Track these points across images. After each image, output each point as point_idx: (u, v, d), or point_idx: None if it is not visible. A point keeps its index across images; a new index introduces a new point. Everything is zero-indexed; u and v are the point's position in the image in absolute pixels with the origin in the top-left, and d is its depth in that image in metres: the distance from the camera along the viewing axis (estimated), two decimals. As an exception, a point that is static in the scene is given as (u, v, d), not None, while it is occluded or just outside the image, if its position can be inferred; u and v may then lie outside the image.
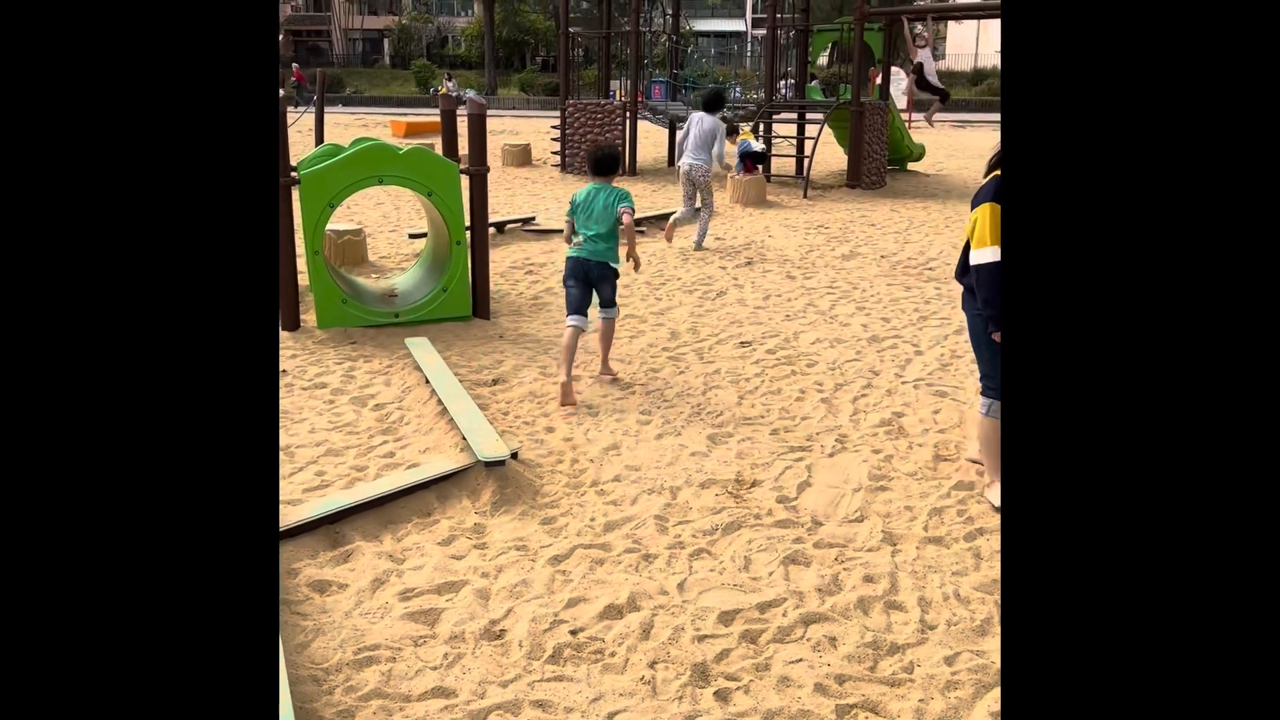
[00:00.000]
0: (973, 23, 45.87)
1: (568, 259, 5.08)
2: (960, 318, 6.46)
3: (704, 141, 8.61)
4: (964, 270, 3.70)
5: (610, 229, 4.97)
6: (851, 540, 3.51)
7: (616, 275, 5.06)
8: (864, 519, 3.68)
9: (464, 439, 4.09)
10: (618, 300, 5.20)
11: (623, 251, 5.05)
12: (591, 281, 5.01)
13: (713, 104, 8.79)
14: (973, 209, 3.56)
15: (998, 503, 3.71)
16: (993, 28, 45.78)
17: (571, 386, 4.79)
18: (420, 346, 5.43)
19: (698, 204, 8.95)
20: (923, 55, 11.93)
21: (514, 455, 4.00)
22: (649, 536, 3.50)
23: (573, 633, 2.89)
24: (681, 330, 6.20)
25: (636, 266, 5.19)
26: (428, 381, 4.88)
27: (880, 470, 4.08)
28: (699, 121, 8.72)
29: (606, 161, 5.08)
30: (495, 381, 5.19)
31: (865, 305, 6.82)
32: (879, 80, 15.22)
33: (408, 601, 3.05)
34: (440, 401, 4.59)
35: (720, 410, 4.77)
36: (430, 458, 4.10)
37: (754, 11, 53.53)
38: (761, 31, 49.07)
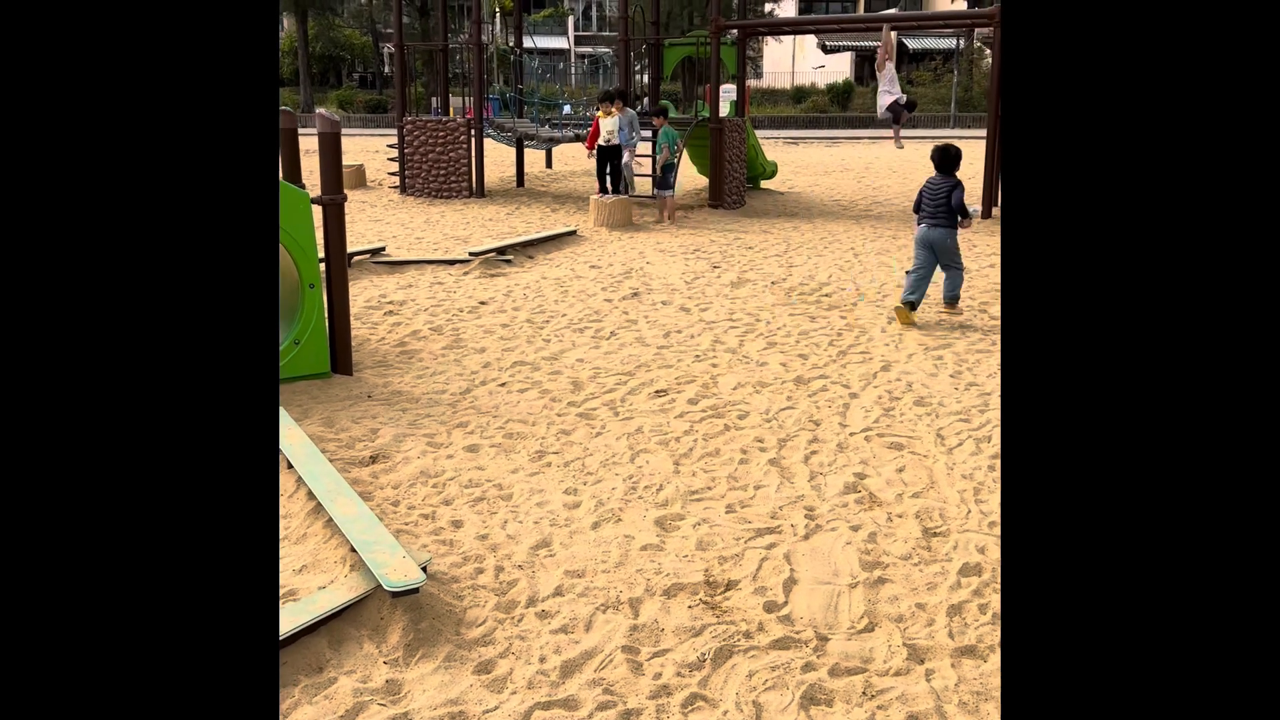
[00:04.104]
0: (789, 40, 47.04)
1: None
2: (883, 353, 5.94)
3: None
4: None
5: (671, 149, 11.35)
6: (871, 660, 2.80)
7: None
8: (875, 627, 2.98)
9: (352, 549, 3.15)
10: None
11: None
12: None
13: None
14: None
15: None
16: (808, 45, 47.02)
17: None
18: (274, 418, 4.39)
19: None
20: (890, 69, 11.08)
21: (423, 570, 3.09)
22: (622, 680, 2.68)
23: None
24: (583, 379, 5.38)
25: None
26: (290, 466, 3.88)
27: (869, 555, 3.41)
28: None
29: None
30: (374, 459, 4.23)
31: (775, 340, 6.21)
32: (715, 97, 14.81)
33: (313, 832, 2.12)
34: (312, 495, 3.62)
35: (658, 483, 3.99)
36: (311, 580, 3.14)
37: (576, 29, 53.24)
38: (585, 49, 48.92)
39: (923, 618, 3.03)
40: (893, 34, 11.05)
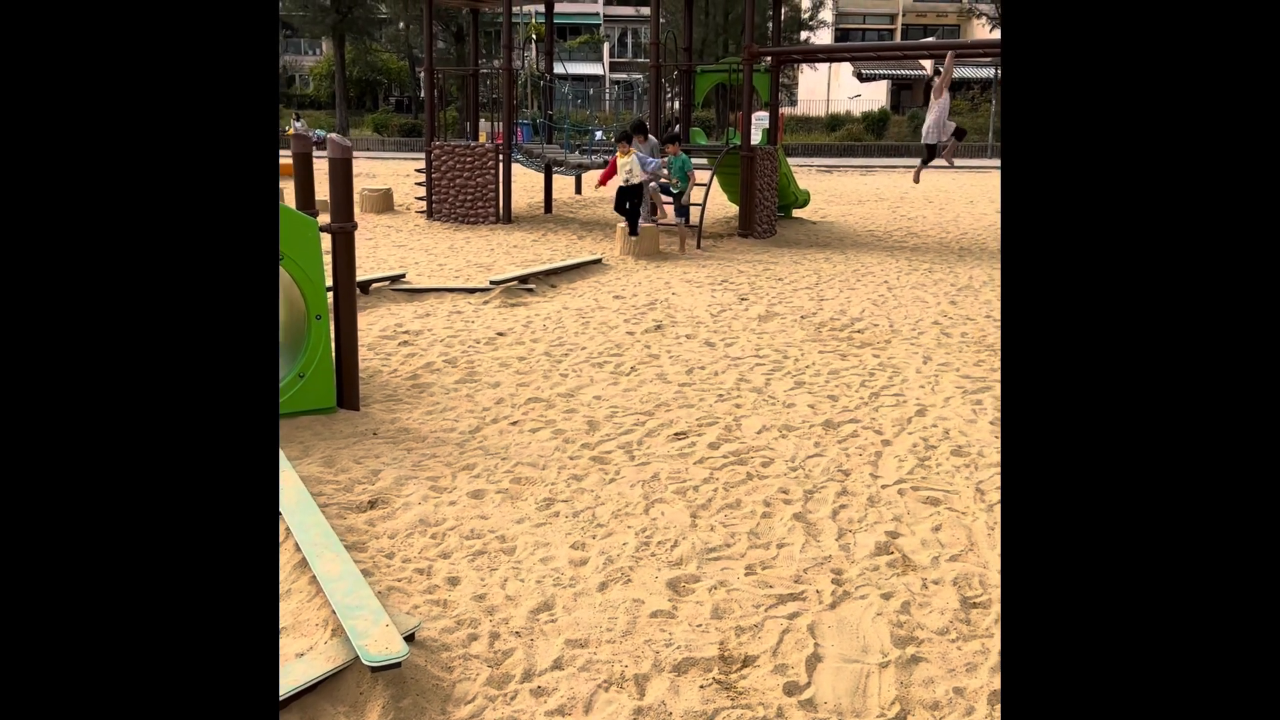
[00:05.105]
0: (824, 68, 46.83)
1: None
2: (918, 395, 5.62)
3: None
4: None
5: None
6: (903, 757, 2.49)
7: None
8: (907, 715, 2.67)
9: (335, 615, 2.89)
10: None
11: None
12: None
13: None
14: None
15: None
16: (844, 73, 46.82)
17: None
18: (270, 458, 4.16)
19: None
20: (944, 99, 10.71)
21: (410, 638, 2.82)
22: (623, 775, 2.39)
23: None
24: (599, 418, 5.11)
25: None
26: (280, 513, 3.63)
27: (902, 629, 3.10)
28: None
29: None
30: (372, 504, 3.97)
31: (803, 380, 5.91)
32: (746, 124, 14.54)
33: None
34: (298, 546, 3.37)
35: (673, 538, 3.70)
36: (288, 645, 2.88)
37: (611, 55, 53.44)
38: (619, 75, 49.06)
39: (961, 705, 2.72)
40: (928, 62, 10.76)
